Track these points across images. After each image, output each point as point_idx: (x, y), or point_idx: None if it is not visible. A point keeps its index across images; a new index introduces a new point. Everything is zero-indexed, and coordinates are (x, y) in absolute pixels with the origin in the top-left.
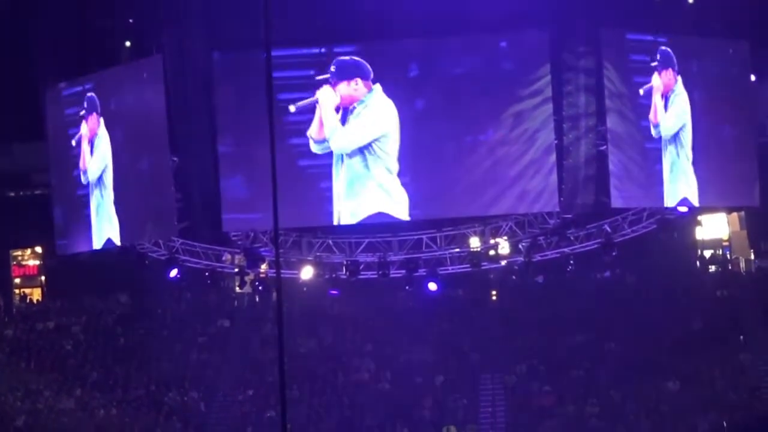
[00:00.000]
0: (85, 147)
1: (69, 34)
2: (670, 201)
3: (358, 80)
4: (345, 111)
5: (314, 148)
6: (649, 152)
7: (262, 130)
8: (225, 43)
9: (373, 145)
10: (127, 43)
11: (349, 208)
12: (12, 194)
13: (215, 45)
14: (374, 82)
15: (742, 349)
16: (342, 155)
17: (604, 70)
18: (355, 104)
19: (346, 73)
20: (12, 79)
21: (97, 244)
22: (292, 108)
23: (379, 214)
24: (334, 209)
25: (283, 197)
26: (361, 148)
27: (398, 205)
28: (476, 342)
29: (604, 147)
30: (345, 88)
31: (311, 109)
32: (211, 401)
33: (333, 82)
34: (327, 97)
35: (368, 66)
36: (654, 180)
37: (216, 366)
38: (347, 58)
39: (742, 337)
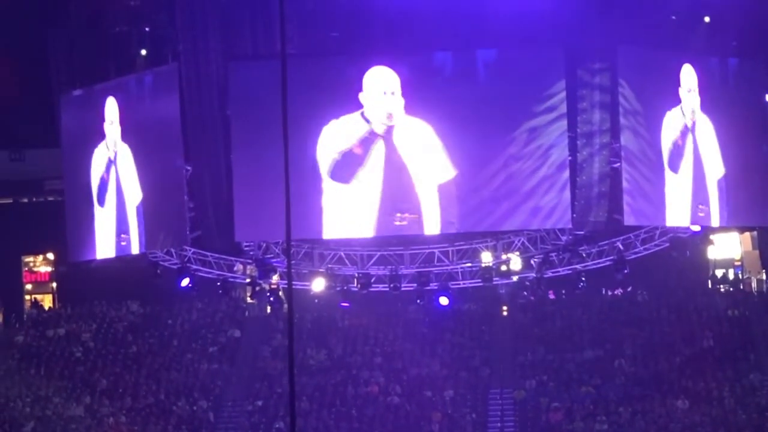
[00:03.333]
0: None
1: (85, 41)
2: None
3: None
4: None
5: None
6: (663, 170)
7: (277, 140)
8: (241, 53)
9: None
10: (143, 52)
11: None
12: (25, 200)
13: (231, 55)
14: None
15: (753, 369)
16: None
17: (618, 87)
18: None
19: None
20: (26, 85)
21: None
22: None
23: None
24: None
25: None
26: None
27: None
28: (486, 357)
29: (618, 164)
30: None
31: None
32: (220, 411)
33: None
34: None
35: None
36: (667, 198)
37: (226, 376)
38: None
39: (752, 356)
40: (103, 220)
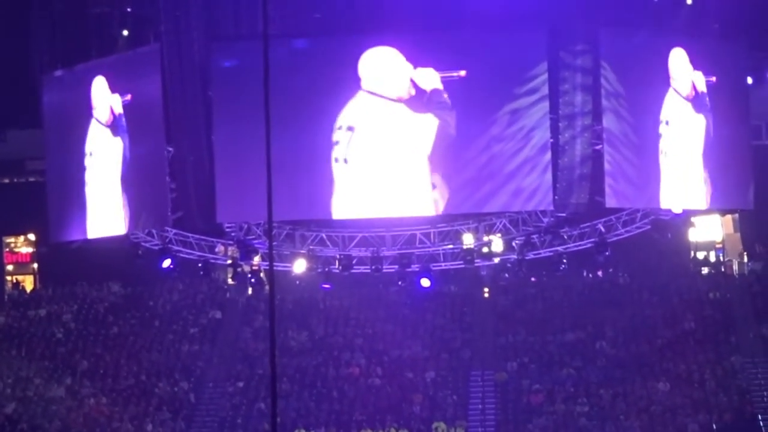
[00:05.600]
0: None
1: (67, 21)
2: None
3: None
4: None
5: None
6: (644, 153)
7: (259, 121)
8: (223, 33)
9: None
10: (125, 32)
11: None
12: (6, 181)
13: (213, 35)
14: None
15: (733, 351)
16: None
17: (601, 69)
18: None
19: None
20: (7, 65)
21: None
22: None
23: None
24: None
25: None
26: None
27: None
28: (467, 338)
29: (600, 146)
30: None
31: None
32: (201, 392)
33: None
34: None
35: None
36: (649, 180)
37: (207, 357)
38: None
39: (733, 339)
40: (91, 200)
